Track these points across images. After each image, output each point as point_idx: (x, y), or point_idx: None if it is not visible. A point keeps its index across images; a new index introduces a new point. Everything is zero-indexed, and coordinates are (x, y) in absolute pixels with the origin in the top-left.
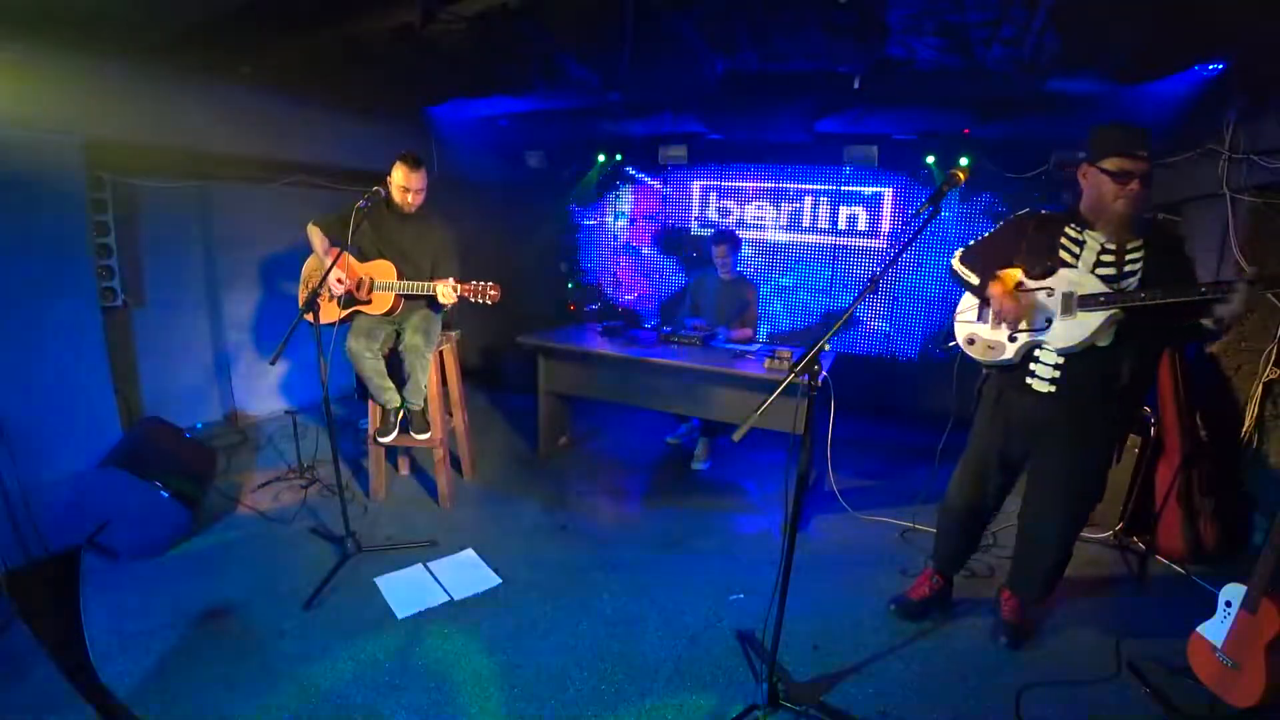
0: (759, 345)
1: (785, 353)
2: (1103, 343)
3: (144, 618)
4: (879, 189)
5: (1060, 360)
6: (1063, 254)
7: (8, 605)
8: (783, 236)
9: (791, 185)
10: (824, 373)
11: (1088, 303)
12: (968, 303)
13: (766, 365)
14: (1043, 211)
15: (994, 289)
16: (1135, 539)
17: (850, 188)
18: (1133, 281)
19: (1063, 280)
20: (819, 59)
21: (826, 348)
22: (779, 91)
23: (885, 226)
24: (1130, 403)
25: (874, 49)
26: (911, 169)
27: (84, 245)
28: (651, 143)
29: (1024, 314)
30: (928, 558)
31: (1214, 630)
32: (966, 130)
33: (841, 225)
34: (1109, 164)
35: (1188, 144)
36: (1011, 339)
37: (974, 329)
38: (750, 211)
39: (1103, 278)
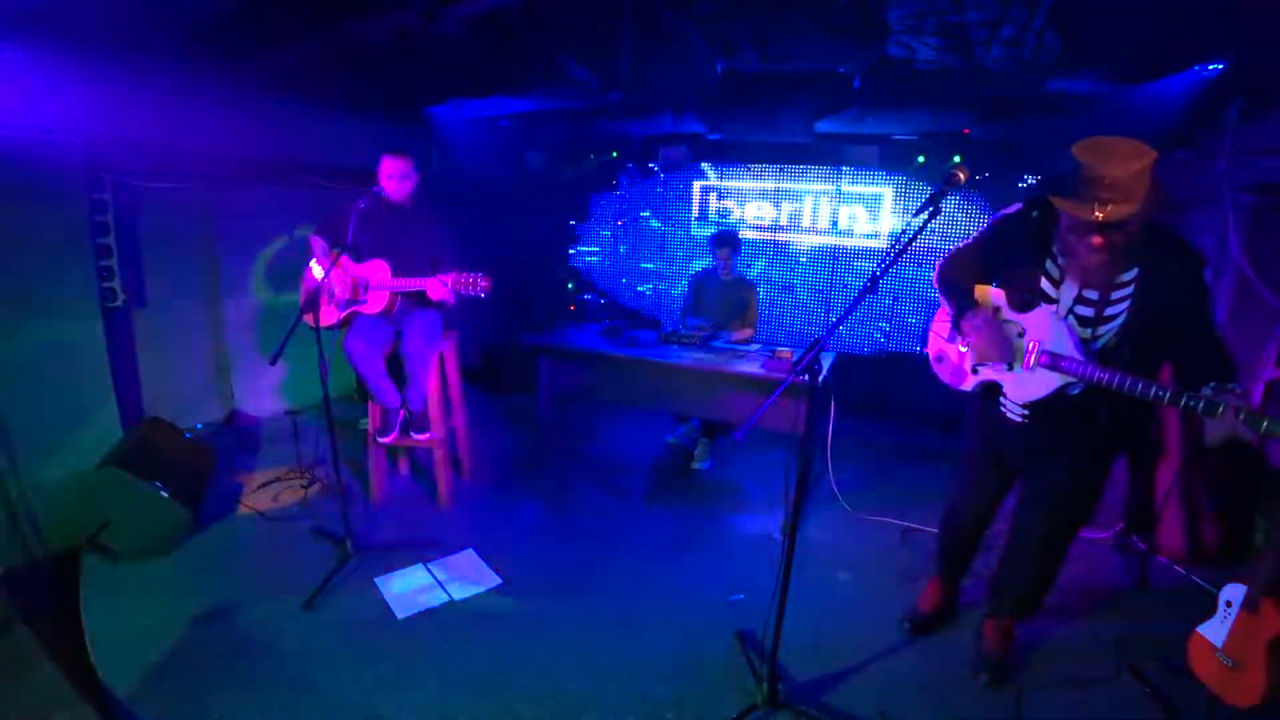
0: (758, 345)
1: (785, 352)
2: (1072, 391)
3: (144, 618)
4: (879, 189)
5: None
6: (1045, 283)
7: (8, 605)
8: (783, 236)
9: (791, 185)
10: (824, 372)
11: (1049, 361)
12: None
13: (766, 365)
14: (1034, 214)
15: (967, 322)
16: (1135, 539)
17: (850, 188)
18: (1113, 327)
19: (1036, 323)
20: (819, 59)
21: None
22: (779, 91)
23: (885, 227)
24: (1121, 425)
25: (874, 49)
26: (911, 169)
27: (84, 245)
28: (651, 143)
29: (993, 353)
30: (933, 569)
31: (1214, 630)
32: (966, 130)
33: (842, 225)
34: (1065, 207)
35: (1188, 144)
36: (974, 370)
37: (945, 347)
38: (750, 211)
39: (1081, 318)
